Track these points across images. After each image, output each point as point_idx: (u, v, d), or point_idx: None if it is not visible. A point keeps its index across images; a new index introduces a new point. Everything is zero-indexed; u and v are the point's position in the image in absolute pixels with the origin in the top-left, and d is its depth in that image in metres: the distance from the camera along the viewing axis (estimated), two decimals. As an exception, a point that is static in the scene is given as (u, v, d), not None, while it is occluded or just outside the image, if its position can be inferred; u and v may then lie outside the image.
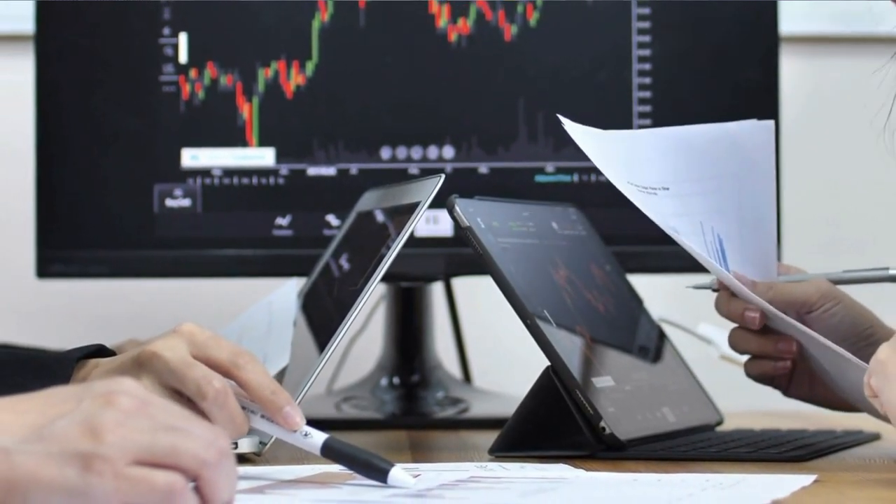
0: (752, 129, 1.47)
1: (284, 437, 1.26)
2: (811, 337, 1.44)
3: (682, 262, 1.86)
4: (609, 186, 1.87)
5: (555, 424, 1.44)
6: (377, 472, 1.19)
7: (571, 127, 1.43)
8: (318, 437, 1.24)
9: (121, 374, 1.25)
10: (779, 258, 1.64)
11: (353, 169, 1.88)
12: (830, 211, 2.19)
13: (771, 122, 1.46)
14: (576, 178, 1.88)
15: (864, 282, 1.50)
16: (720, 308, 1.52)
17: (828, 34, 2.21)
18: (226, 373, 1.27)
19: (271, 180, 1.88)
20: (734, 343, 1.54)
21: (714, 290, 1.53)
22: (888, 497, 1.17)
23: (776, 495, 1.13)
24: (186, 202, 1.88)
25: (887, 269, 1.48)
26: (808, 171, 2.07)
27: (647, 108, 1.87)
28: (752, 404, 1.65)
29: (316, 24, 1.88)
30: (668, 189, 1.44)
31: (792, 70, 2.01)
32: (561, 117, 1.43)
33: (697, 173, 1.45)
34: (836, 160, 2.18)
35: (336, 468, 1.24)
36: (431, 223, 1.87)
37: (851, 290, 1.53)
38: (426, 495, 1.13)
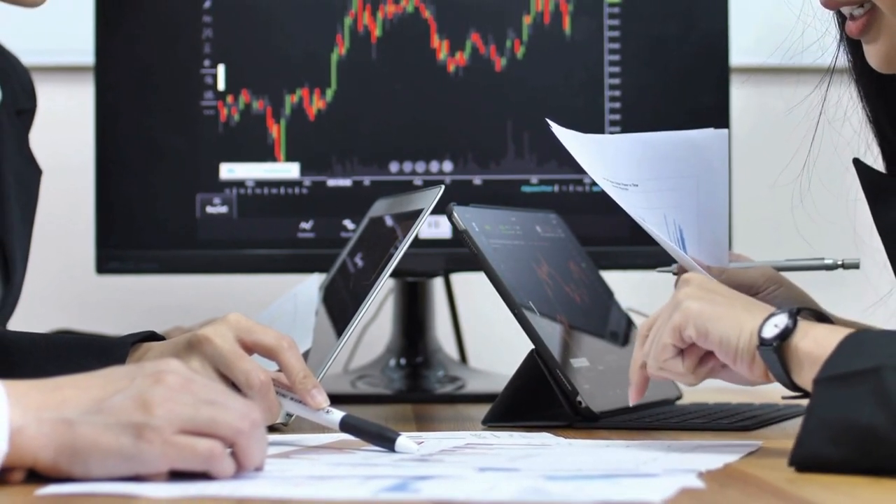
0: (709, 137, 1.47)
1: (309, 416, 1.26)
2: None
3: (647, 260, 1.88)
4: (584, 196, 1.88)
5: (538, 399, 1.44)
6: (386, 441, 1.19)
7: (558, 129, 1.42)
8: (337, 415, 1.24)
9: (173, 356, 1.25)
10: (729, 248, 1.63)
11: (366, 180, 1.88)
12: (772, 213, 2.19)
13: (725, 131, 1.46)
14: (556, 188, 1.88)
15: (803, 269, 1.50)
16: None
17: (771, 66, 2.21)
18: (270, 354, 1.27)
19: (296, 190, 1.88)
20: None
21: (675, 274, 1.52)
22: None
23: (727, 459, 1.13)
24: (224, 209, 1.88)
25: (823, 259, 1.49)
26: (754, 181, 2.07)
27: (618, 129, 1.87)
28: (706, 382, 1.65)
29: (334, 57, 1.88)
30: (637, 186, 1.43)
31: (740, 96, 2.01)
32: (549, 121, 1.43)
33: (662, 173, 1.45)
34: (778, 171, 2.17)
35: (352, 438, 1.24)
36: (433, 227, 1.87)
37: (792, 277, 1.52)
38: (429, 459, 1.13)
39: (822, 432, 1.04)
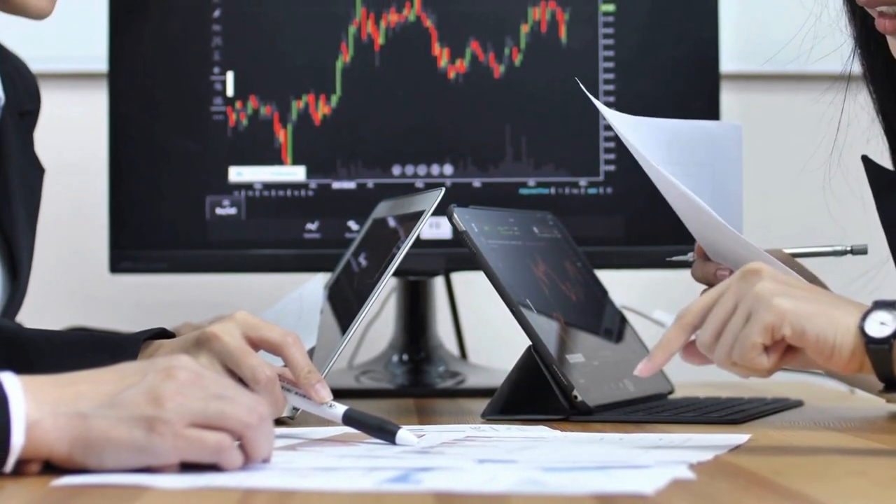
0: (725, 128, 1.47)
1: (313, 410, 1.26)
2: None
3: (640, 259, 1.88)
4: (580, 198, 1.88)
5: (535, 393, 1.44)
6: (387, 434, 1.19)
7: (602, 108, 1.41)
8: (340, 409, 1.24)
9: (183, 353, 1.25)
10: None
11: (370, 183, 1.88)
12: (760, 216, 2.19)
13: (740, 124, 1.47)
14: (553, 190, 1.88)
15: (815, 255, 1.50)
16: (695, 273, 1.49)
17: (758, 73, 2.22)
18: (276, 350, 1.26)
19: (302, 192, 1.88)
20: None
21: (689, 263, 1.51)
22: (808, 452, 1.17)
23: (718, 452, 1.13)
24: (233, 210, 1.88)
25: (832, 245, 1.49)
26: (744, 185, 2.07)
27: (612, 133, 1.87)
28: (697, 377, 1.65)
29: (339, 65, 1.88)
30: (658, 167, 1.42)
31: (729, 102, 2.01)
32: (579, 81, 1.41)
33: (680, 158, 1.44)
34: (766, 175, 2.18)
35: (355, 431, 1.24)
36: (434, 228, 1.87)
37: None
38: (430, 451, 1.13)
39: None
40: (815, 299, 1.13)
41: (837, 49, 1.50)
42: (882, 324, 1.10)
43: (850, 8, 1.47)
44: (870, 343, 1.10)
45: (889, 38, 1.37)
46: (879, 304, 1.11)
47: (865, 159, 1.48)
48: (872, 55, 1.46)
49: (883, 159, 1.50)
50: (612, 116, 1.41)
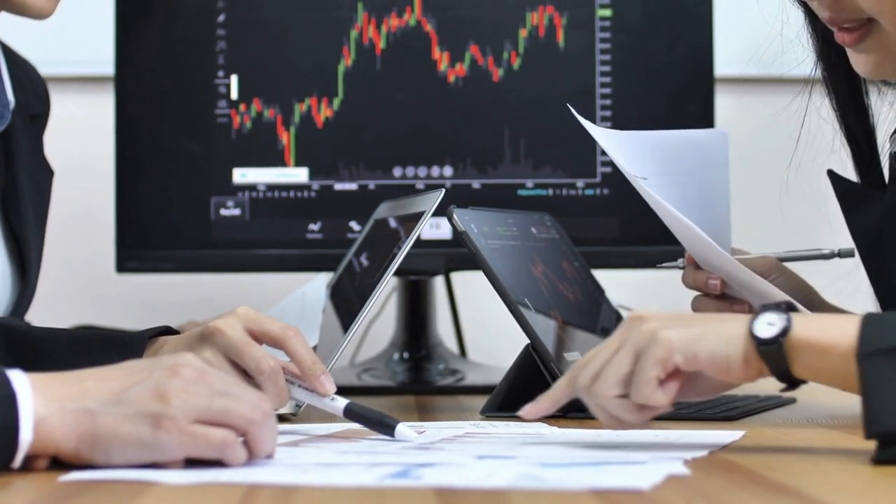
0: (711, 136, 1.47)
1: (315, 402, 1.26)
2: (766, 295, 1.41)
3: (636, 259, 1.88)
4: (577, 199, 1.88)
5: (534, 390, 1.44)
6: (386, 428, 1.19)
7: (586, 123, 1.41)
8: (341, 402, 1.24)
9: (187, 348, 1.25)
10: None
11: (371, 184, 1.88)
12: (752, 217, 2.19)
13: (727, 131, 1.47)
14: (550, 192, 1.88)
15: (802, 259, 1.50)
16: (687, 280, 1.49)
17: (753, 76, 2.22)
18: (277, 343, 1.27)
19: (305, 194, 1.88)
20: (697, 307, 1.49)
21: (680, 268, 1.51)
22: (801, 449, 1.17)
23: (712, 448, 1.13)
24: (237, 211, 1.88)
25: (820, 249, 1.49)
26: (736, 187, 2.07)
27: (608, 136, 1.87)
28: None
29: (341, 68, 1.88)
30: (646, 179, 1.43)
31: (724, 104, 2.01)
32: (571, 108, 1.42)
33: (668, 168, 1.44)
34: (759, 176, 2.18)
35: (357, 427, 1.24)
36: (434, 228, 1.87)
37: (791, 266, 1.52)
38: (430, 447, 1.14)
39: None
40: (700, 323, 1.11)
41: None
42: (769, 324, 1.08)
43: (810, 21, 1.46)
44: (760, 345, 1.08)
45: (848, 51, 1.37)
46: (767, 307, 1.09)
47: (831, 174, 1.47)
48: (833, 67, 1.46)
49: (846, 166, 1.50)
50: (598, 134, 1.41)
